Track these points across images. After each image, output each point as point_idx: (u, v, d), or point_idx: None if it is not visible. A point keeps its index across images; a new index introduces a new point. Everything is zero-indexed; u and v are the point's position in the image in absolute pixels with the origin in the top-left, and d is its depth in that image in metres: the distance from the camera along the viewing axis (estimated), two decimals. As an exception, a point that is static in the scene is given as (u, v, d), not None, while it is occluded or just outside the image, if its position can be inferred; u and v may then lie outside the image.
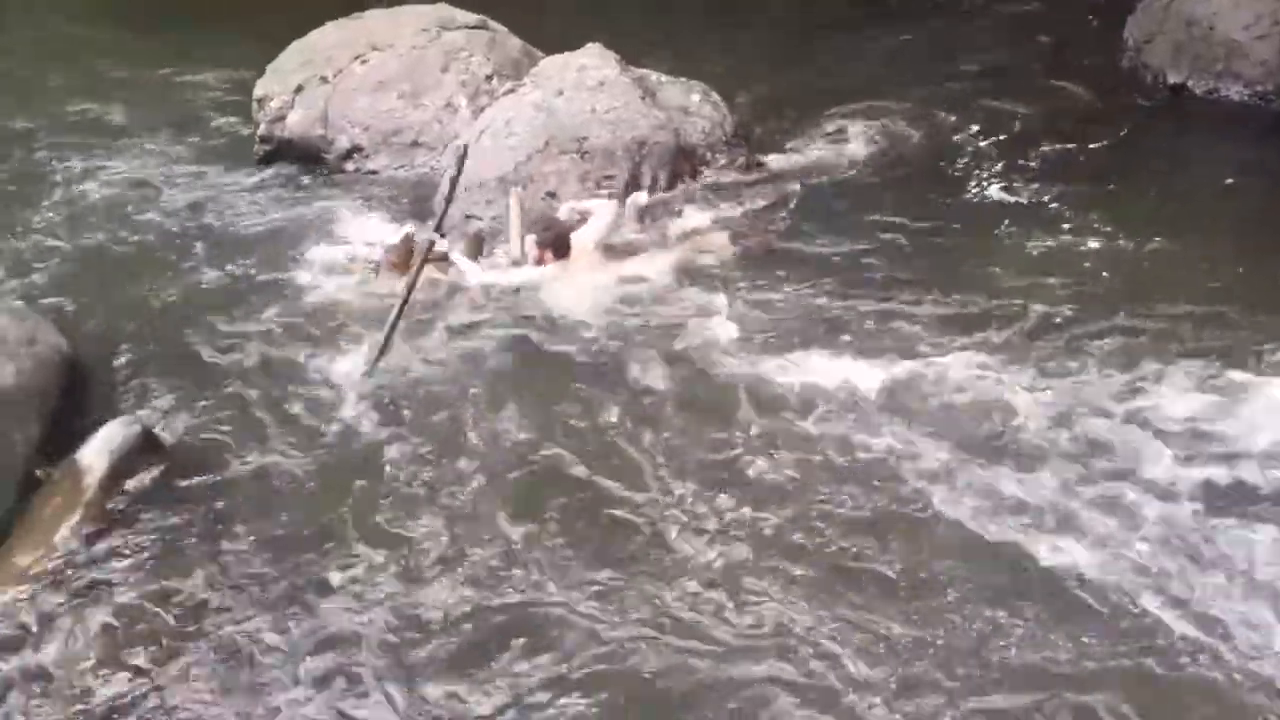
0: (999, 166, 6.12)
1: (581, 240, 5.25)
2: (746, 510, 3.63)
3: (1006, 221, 5.53)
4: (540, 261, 5.19)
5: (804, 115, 6.93)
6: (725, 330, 4.63)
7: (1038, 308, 4.63)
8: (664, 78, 6.44)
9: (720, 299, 4.87)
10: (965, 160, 6.28)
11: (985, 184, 5.95)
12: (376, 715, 3.02)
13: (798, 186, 5.95)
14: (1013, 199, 5.79)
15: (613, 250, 5.32)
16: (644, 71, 6.36)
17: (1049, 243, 5.26)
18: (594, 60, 6.18)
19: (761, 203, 5.76)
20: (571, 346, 4.64)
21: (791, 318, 4.73)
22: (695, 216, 5.61)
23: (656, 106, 6.02)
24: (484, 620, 3.29)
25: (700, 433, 4.04)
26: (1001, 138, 6.52)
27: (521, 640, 3.19)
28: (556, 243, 5.17)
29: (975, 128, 6.64)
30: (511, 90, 6.40)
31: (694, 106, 6.28)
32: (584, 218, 5.39)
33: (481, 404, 4.31)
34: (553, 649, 3.15)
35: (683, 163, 5.90)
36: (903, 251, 5.26)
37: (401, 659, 3.18)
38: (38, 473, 4.01)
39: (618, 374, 4.43)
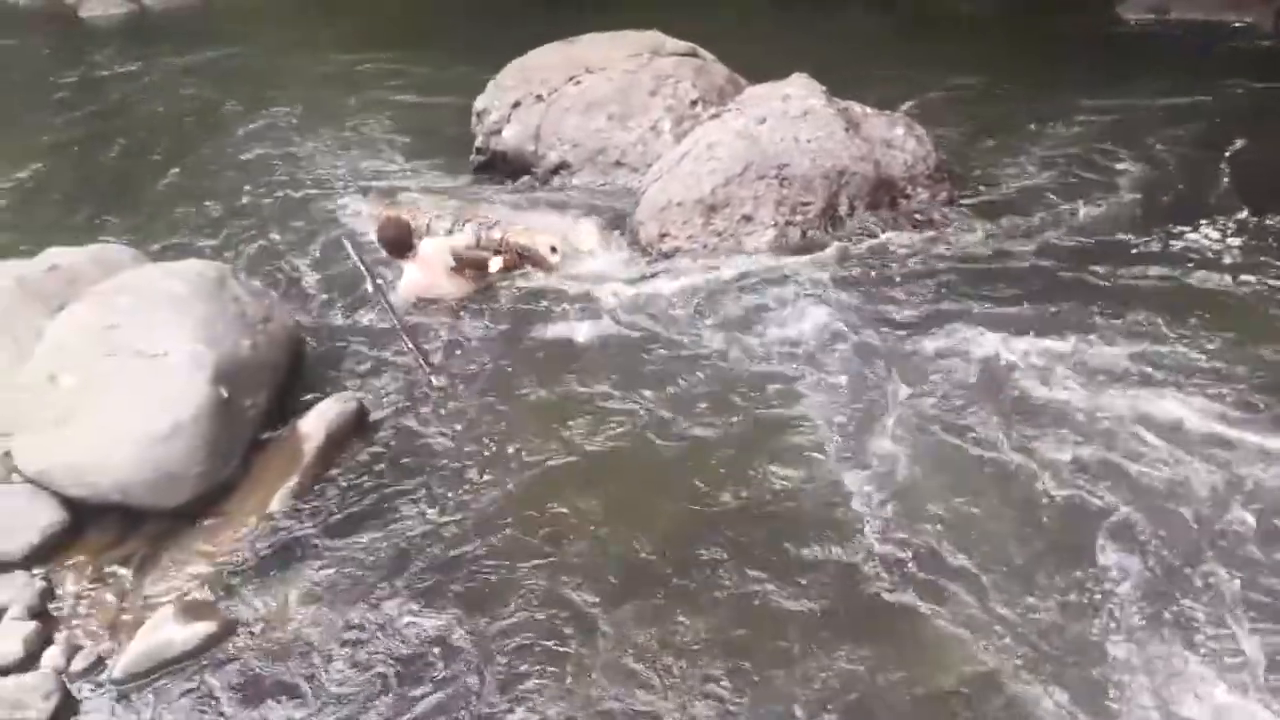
0: (1220, 217, 5.71)
1: (436, 246, 5.60)
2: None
3: (1225, 278, 5.14)
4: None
5: (1013, 153, 6.76)
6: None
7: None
8: (869, 110, 6.42)
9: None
10: (1179, 208, 5.90)
11: (1201, 235, 5.55)
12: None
13: (993, 227, 5.79)
14: (1232, 255, 5.35)
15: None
16: (849, 103, 6.37)
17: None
18: (799, 90, 6.25)
19: (948, 243, 5.65)
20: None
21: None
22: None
23: (859, 138, 6.02)
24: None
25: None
26: (1222, 186, 6.13)
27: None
28: (394, 241, 5.51)
29: (1197, 173, 6.27)
30: (715, 116, 6.55)
31: (897, 140, 6.24)
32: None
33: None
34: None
35: (881, 194, 5.87)
36: (1104, 312, 4.87)
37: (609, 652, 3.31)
38: (263, 437, 4.42)
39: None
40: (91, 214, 7.49)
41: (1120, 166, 6.49)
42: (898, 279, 5.26)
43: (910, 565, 3.48)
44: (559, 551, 3.71)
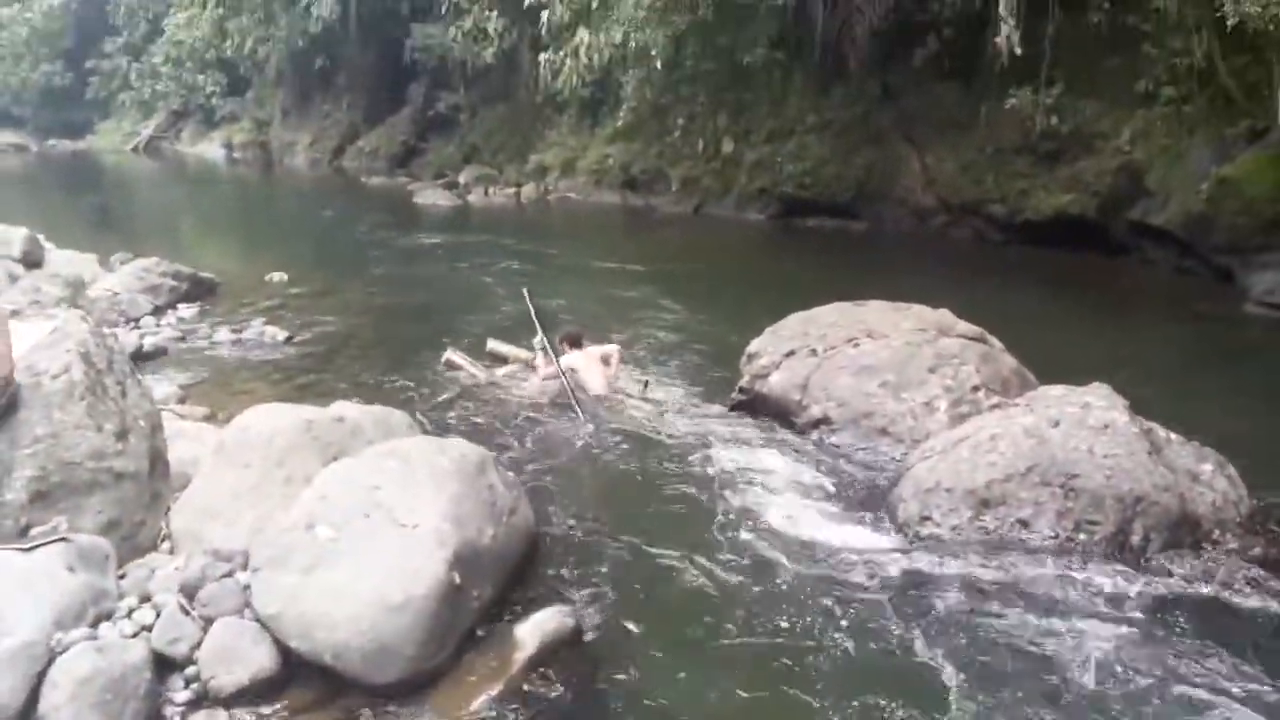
0: None
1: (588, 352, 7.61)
2: None
3: None
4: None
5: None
6: None
7: None
8: (1173, 436, 5.86)
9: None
10: None
11: None
12: None
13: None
14: None
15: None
16: (1152, 425, 5.84)
17: None
18: (1099, 401, 5.80)
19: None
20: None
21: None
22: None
23: (1163, 465, 5.45)
24: None
25: None
26: None
27: None
28: (573, 336, 7.72)
29: None
30: (999, 406, 6.23)
31: (1205, 475, 5.60)
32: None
33: None
34: None
35: (1184, 533, 5.20)
36: None
37: None
38: (478, 632, 4.28)
39: None
40: (378, 373, 8.11)
41: None
42: (1194, 643, 4.45)
43: None
44: None
